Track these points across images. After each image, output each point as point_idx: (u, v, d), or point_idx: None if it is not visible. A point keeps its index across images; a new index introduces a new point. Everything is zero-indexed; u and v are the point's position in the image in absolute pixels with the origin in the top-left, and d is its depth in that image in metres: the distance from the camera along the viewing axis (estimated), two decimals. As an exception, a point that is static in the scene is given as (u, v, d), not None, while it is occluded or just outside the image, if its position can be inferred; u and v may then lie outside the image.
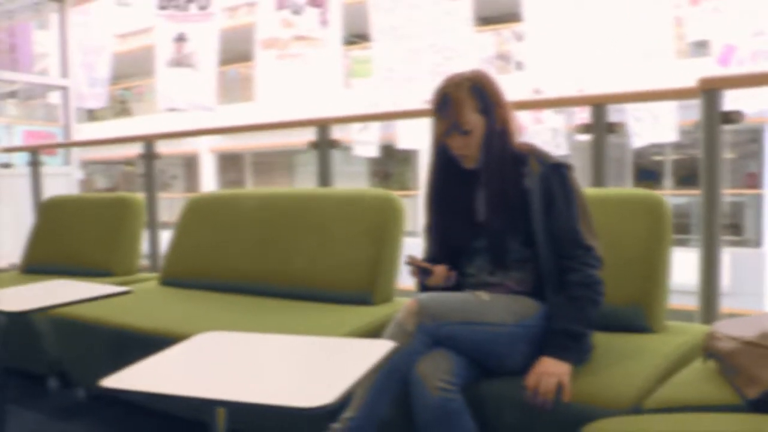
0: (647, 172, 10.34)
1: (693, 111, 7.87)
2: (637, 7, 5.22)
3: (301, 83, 5.09)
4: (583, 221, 1.62)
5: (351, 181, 12.67)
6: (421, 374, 1.44)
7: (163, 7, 5.08)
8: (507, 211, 1.64)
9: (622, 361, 1.57)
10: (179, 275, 2.75)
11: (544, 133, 7.57)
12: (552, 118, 7.49)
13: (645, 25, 5.81)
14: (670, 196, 10.23)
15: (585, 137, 8.53)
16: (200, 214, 2.83)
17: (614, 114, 8.33)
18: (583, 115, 8.35)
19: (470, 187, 1.72)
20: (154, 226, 3.63)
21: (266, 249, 2.57)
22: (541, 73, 5.64)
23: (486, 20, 8.99)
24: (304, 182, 14.30)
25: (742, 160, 9.86)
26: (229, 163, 15.32)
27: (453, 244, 1.73)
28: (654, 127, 7.17)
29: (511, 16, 8.80)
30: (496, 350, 1.53)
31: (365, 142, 8.47)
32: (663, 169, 10.37)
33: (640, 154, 9.84)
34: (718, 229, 2.13)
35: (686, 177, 9.90)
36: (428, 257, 1.79)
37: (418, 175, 11.67)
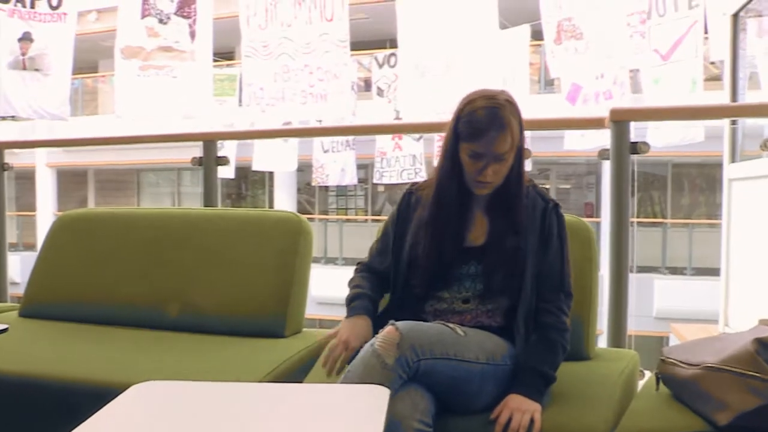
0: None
1: (544, 144, 8.37)
2: (498, 42, 5.45)
3: (168, 97, 4.75)
4: (569, 267, 1.61)
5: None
6: (398, 415, 1.31)
7: (4, 1, 4.52)
8: (505, 238, 1.58)
9: (581, 391, 1.54)
10: (46, 305, 2.37)
11: (404, 160, 7.72)
12: (412, 145, 7.66)
13: (504, 58, 6.08)
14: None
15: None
16: (73, 235, 2.47)
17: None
18: (440, 143, 8.58)
19: (465, 211, 1.62)
20: (2, 248, 3.15)
21: (156, 276, 2.29)
22: (405, 99, 5.73)
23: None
24: (153, 204, 13.48)
25: (579, 190, 10.73)
26: (70, 180, 14.04)
27: (441, 268, 1.61)
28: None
29: (372, 43, 8.95)
30: (467, 389, 1.43)
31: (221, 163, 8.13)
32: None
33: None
34: (627, 255, 2.22)
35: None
36: (382, 275, 1.70)
37: (273, 198, 11.41)
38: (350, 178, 7.82)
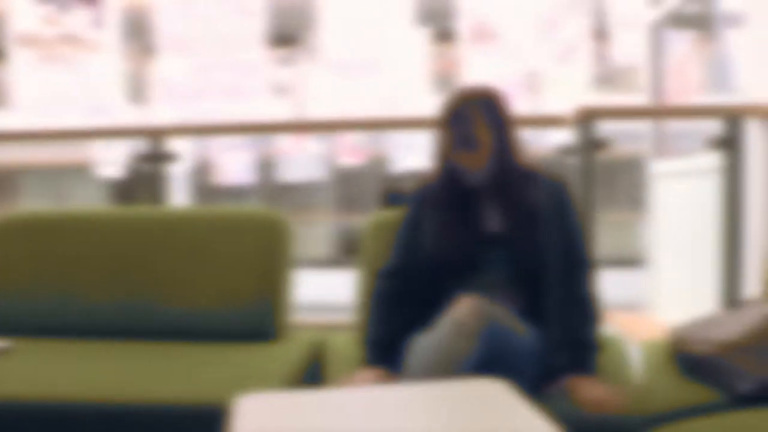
0: (396, 197, 11.02)
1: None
2: (404, 44, 5.54)
3: (73, 90, 4.43)
4: (585, 239, 1.69)
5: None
6: None
7: None
8: (521, 222, 1.64)
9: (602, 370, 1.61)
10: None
11: (308, 158, 7.66)
12: (314, 144, 7.61)
13: (405, 60, 6.12)
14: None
15: (349, 162, 8.73)
16: (20, 239, 2.25)
17: (376, 142, 8.71)
18: (344, 141, 8.58)
19: (475, 201, 1.69)
20: None
21: (126, 282, 2.12)
22: (322, 97, 5.70)
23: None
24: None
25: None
26: None
27: (461, 258, 1.64)
28: (409, 155, 7.72)
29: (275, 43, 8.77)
30: (517, 364, 1.45)
31: (110, 162, 7.68)
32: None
33: (393, 179, 10.51)
34: (593, 250, 2.34)
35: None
36: (404, 274, 1.71)
37: (170, 199, 10.73)
38: (250, 177, 7.64)
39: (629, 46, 5.05)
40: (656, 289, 3.31)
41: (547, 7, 5.15)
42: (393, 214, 2.15)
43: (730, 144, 2.28)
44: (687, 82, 4.56)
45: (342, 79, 5.27)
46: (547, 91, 6.01)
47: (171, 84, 4.78)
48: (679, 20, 3.37)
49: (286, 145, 7.47)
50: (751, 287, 2.31)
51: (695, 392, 1.49)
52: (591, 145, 2.33)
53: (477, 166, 1.64)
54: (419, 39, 5.71)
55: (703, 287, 2.81)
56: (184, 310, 2.07)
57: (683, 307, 3.08)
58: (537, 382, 1.48)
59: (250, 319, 2.04)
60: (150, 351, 1.93)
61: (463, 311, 1.41)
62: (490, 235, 1.67)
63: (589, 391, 1.47)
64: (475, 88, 1.69)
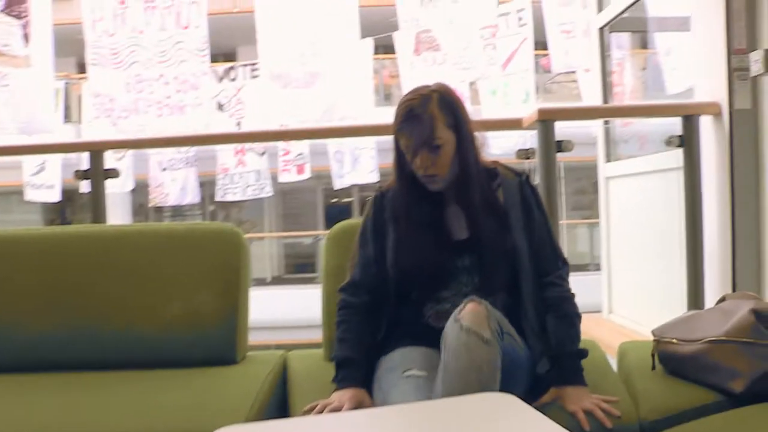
0: (337, 212, 10.93)
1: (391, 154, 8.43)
2: (348, 54, 5.46)
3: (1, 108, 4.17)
4: (555, 235, 1.62)
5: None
6: None
7: None
8: (489, 225, 1.54)
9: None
10: None
11: (248, 176, 7.47)
12: (256, 161, 7.43)
13: (351, 69, 6.02)
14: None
15: (290, 179, 8.49)
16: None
17: (318, 157, 8.56)
18: (287, 157, 8.42)
19: (439, 208, 1.59)
20: None
21: (70, 308, 1.95)
22: (266, 110, 5.56)
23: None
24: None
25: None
26: None
27: (429, 269, 1.53)
28: (354, 170, 7.63)
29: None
30: (515, 372, 1.38)
31: (42, 186, 7.31)
32: (352, 209, 11.11)
33: (333, 195, 10.39)
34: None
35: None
36: (368, 287, 1.61)
37: (110, 219, 10.28)
38: (192, 196, 7.39)
39: (569, 55, 5.14)
40: (610, 292, 3.32)
41: (489, 18, 5.18)
42: (352, 227, 2.06)
43: (686, 142, 2.30)
44: (625, 86, 4.67)
45: (283, 91, 5.16)
46: (487, 101, 6.04)
47: (105, 99, 4.56)
48: (622, 26, 3.42)
49: (227, 162, 7.28)
50: (711, 285, 2.32)
51: (688, 394, 1.45)
52: (552, 146, 2.30)
53: (439, 169, 1.53)
54: (362, 51, 5.64)
55: (655, 287, 2.83)
56: (137, 336, 1.91)
57: (637, 309, 3.10)
58: (529, 393, 1.41)
59: (211, 343, 1.91)
60: (101, 382, 1.77)
61: (471, 318, 1.30)
62: (456, 242, 1.57)
63: (582, 401, 1.41)
64: (426, 86, 1.58)
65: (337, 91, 5.11)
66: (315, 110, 4.95)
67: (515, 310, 1.52)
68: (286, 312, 9.01)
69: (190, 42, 4.60)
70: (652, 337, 1.65)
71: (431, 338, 1.50)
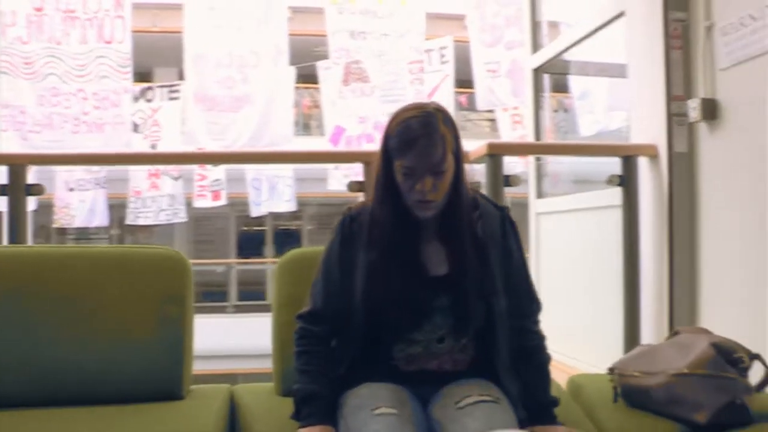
0: (250, 240, 10.68)
1: (308, 184, 8.42)
2: (275, 81, 5.40)
3: None
4: (529, 272, 1.54)
5: None
6: None
7: None
8: (471, 261, 1.44)
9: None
10: None
11: (162, 200, 7.19)
12: (170, 185, 7.17)
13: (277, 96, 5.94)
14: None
15: (206, 204, 8.26)
16: None
17: (234, 184, 8.36)
18: (203, 182, 8.18)
19: (416, 239, 1.46)
20: None
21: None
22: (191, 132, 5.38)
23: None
24: None
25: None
26: None
27: (407, 304, 1.42)
28: (271, 198, 7.50)
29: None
30: None
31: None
32: (265, 237, 10.88)
33: (246, 222, 10.15)
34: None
35: (286, 246, 10.60)
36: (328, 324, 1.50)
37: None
38: (100, 219, 7.03)
39: (494, 93, 5.30)
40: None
41: (416, 53, 5.28)
42: (304, 254, 2.00)
43: (626, 181, 2.39)
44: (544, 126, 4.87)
45: (208, 114, 5.03)
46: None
47: (15, 111, 4.27)
48: (554, 68, 3.57)
49: (140, 185, 6.99)
50: (647, 321, 2.40)
51: (654, 426, 1.48)
52: (500, 181, 2.34)
53: (438, 195, 1.40)
54: (286, 79, 5.58)
55: (589, 323, 2.91)
56: (71, 371, 1.74)
57: (570, 344, 3.17)
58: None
59: (156, 377, 1.76)
60: (28, 422, 1.60)
61: None
62: (433, 279, 1.45)
63: None
64: (426, 103, 1.45)
65: (265, 117, 5.04)
66: (242, 135, 4.85)
67: (487, 351, 1.46)
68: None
69: (112, 57, 4.41)
70: (595, 371, 1.68)
71: (399, 379, 1.45)
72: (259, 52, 4.77)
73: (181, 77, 7.88)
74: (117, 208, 7.86)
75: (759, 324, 1.91)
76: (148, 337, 1.80)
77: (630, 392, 1.60)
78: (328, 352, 1.51)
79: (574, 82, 5.30)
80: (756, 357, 1.53)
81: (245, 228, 10.80)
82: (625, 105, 4.85)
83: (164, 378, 1.78)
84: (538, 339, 1.51)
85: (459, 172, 1.43)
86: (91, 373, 1.74)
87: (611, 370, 1.70)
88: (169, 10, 9.33)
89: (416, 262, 1.46)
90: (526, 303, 1.51)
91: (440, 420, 1.37)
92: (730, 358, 1.49)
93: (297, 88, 7.78)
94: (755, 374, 1.53)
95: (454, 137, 1.42)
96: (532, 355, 1.49)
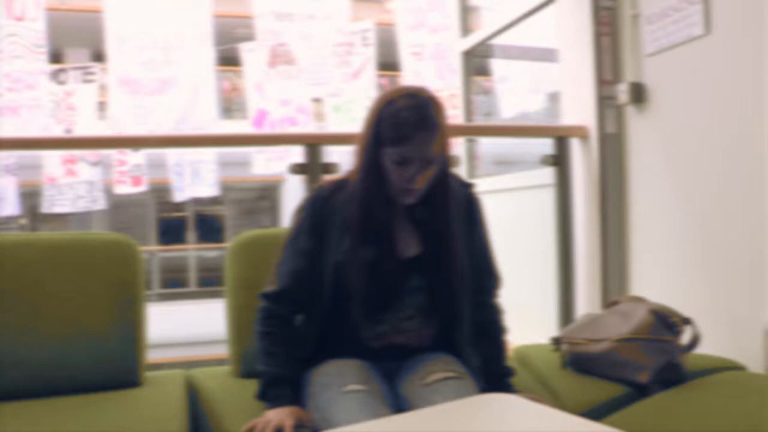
0: (171, 227, 10.38)
1: (231, 169, 8.30)
2: (199, 63, 5.28)
3: None
4: (492, 248, 1.57)
5: None
6: None
7: None
8: (442, 242, 1.46)
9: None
10: None
11: (79, 187, 6.89)
12: (88, 171, 6.87)
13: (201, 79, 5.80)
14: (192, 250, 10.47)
15: (127, 191, 8.01)
16: None
17: (155, 170, 8.12)
18: (122, 168, 7.91)
19: (391, 222, 1.46)
20: None
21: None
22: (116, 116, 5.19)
23: None
24: None
25: (254, 215, 10.87)
26: None
27: (381, 285, 1.43)
28: (194, 183, 7.33)
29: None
30: None
31: None
32: (187, 224, 10.60)
33: (166, 209, 9.85)
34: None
35: (208, 232, 10.34)
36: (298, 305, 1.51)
37: None
38: (12, 207, 6.68)
39: (419, 76, 5.36)
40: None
41: (342, 35, 5.28)
42: (257, 237, 2.00)
43: (559, 161, 2.52)
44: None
45: (130, 98, 4.87)
46: (331, 117, 6.13)
47: None
48: (482, 52, 3.66)
49: (54, 172, 6.67)
50: (582, 298, 2.54)
51: (601, 388, 1.60)
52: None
53: (425, 183, 1.40)
54: (209, 61, 5.47)
55: (525, 298, 3.04)
56: (24, 361, 1.69)
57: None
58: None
59: (111, 365, 1.74)
60: None
61: None
62: (406, 260, 1.46)
63: None
64: (418, 88, 1.41)
65: (190, 100, 4.92)
66: (167, 119, 4.72)
67: (451, 328, 1.51)
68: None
69: (25, 36, 4.19)
70: (543, 342, 1.80)
71: (364, 355, 1.48)
72: (183, 33, 4.64)
73: (94, 58, 7.55)
74: (29, 196, 7.49)
75: (684, 292, 2.07)
76: (100, 324, 1.77)
77: (577, 359, 1.72)
78: (293, 333, 1.52)
79: (496, 65, 5.46)
80: (687, 321, 1.67)
81: (165, 215, 10.51)
82: (546, 88, 5.06)
83: (119, 366, 1.76)
84: (496, 313, 1.57)
85: (445, 161, 1.43)
86: (45, 363, 1.70)
87: (556, 340, 1.82)
88: (80, -13, 8.91)
89: (390, 243, 1.46)
90: (487, 278, 1.56)
91: (408, 396, 1.41)
92: (666, 322, 1.63)
93: (216, 70, 7.60)
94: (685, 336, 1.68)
95: (445, 128, 1.41)
96: (491, 328, 1.55)
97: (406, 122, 1.35)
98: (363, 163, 1.44)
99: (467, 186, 1.55)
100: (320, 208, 1.49)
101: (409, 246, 1.48)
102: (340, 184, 1.51)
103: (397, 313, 1.48)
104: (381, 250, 1.44)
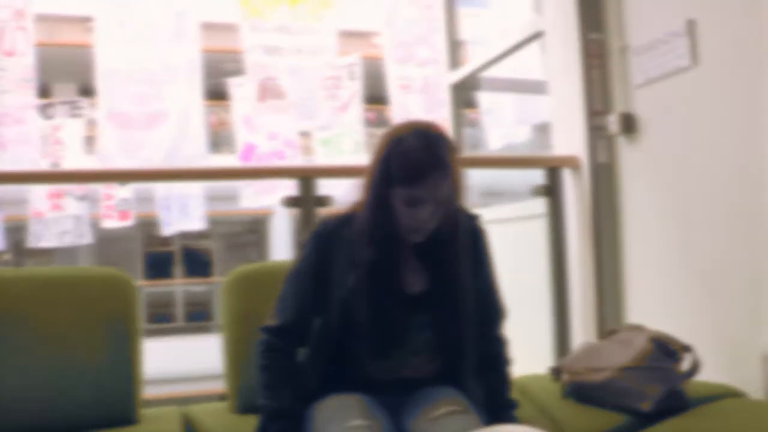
0: (158, 261, 10.29)
1: (218, 203, 8.31)
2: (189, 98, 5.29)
3: None
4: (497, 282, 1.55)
5: None
6: None
7: None
8: (449, 278, 1.45)
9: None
10: None
11: (65, 221, 6.84)
12: (74, 205, 6.83)
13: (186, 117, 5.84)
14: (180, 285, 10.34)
15: (114, 225, 7.96)
16: None
17: (142, 204, 8.07)
18: (109, 203, 7.86)
19: (398, 257, 1.44)
20: None
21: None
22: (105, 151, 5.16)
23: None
24: None
25: (242, 249, 10.81)
26: None
27: (388, 322, 1.43)
28: (182, 217, 7.30)
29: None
30: None
31: None
32: (174, 258, 10.51)
33: (153, 243, 9.77)
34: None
35: (195, 266, 10.26)
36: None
37: None
38: (-4, 243, 6.61)
39: (406, 109, 5.41)
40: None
41: (330, 69, 5.33)
42: (252, 271, 2.00)
43: (552, 191, 2.54)
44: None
45: (119, 132, 4.87)
46: (319, 151, 6.16)
47: None
48: (471, 84, 3.71)
49: (40, 206, 6.63)
50: (577, 328, 2.53)
51: (603, 417, 1.59)
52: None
53: (435, 223, 1.38)
54: (198, 95, 5.50)
55: (517, 330, 3.03)
56: (17, 398, 1.67)
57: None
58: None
59: (108, 402, 1.72)
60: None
61: None
62: (412, 296, 1.45)
63: None
64: (427, 124, 1.39)
65: (180, 135, 4.93)
66: (157, 153, 4.72)
67: (456, 363, 1.49)
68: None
69: (14, 71, 4.20)
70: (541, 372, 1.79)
71: (370, 390, 1.46)
72: (173, 67, 4.67)
73: (82, 93, 7.55)
74: (13, 231, 7.42)
75: (681, 319, 2.08)
76: (96, 361, 1.75)
77: (578, 388, 1.72)
78: (294, 367, 1.49)
79: (482, 97, 5.52)
80: (687, 348, 1.67)
81: (152, 249, 10.43)
82: (532, 119, 5.11)
83: (115, 403, 1.73)
84: (501, 345, 1.55)
85: (455, 201, 1.41)
86: (40, 400, 1.68)
87: (555, 370, 1.81)
88: (68, 23, 8.94)
89: (397, 280, 1.44)
90: (492, 311, 1.54)
91: (413, 431, 1.40)
92: (666, 350, 1.63)
93: (205, 105, 7.62)
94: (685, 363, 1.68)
95: (456, 164, 1.38)
96: (495, 360, 1.53)
97: (417, 163, 1.33)
98: (370, 200, 1.42)
99: (473, 218, 1.53)
100: (325, 243, 1.47)
101: (416, 282, 1.46)
102: (345, 219, 1.49)
103: (403, 348, 1.46)
104: (388, 287, 1.43)
